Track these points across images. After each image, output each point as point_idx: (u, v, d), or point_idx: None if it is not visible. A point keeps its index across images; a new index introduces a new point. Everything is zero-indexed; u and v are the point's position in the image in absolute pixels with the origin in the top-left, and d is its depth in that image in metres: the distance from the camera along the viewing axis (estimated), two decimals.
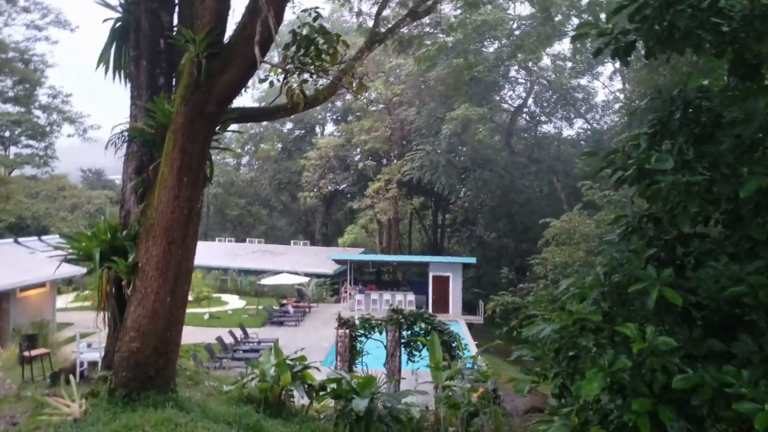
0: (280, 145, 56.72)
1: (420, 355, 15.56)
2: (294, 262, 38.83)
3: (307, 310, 31.28)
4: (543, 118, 38.84)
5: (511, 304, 16.86)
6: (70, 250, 8.00)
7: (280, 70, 7.58)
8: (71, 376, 8.31)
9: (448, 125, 28.52)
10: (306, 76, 7.64)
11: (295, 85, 7.71)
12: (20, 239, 34.74)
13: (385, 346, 15.70)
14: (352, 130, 42.19)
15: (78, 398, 7.50)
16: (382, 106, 43.71)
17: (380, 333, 15.84)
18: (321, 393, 10.05)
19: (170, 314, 7.41)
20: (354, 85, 7.65)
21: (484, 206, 37.93)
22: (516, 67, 35.37)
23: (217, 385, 11.18)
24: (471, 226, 50.92)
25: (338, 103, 52.34)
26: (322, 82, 8.29)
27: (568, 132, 41.67)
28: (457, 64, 21.06)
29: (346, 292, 34.55)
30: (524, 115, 39.05)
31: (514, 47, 24.65)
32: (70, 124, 44.72)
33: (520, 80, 38.05)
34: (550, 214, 36.48)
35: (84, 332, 11.44)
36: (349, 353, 15.62)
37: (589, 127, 39.67)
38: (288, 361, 10.55)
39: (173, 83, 8.46)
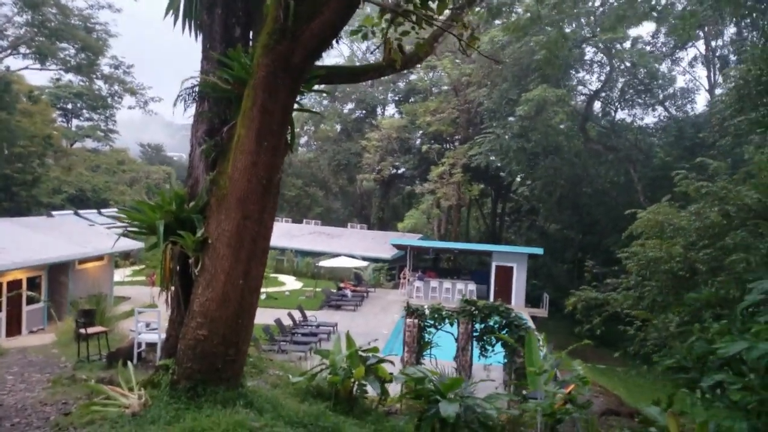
0: (339, 126, 55.91)
1: (493, 351, 14.47)
2: (351, 245, 38.18)
3: (365, 294, 30.45)
4: (621, 105, 36.30)
5: (593, 300, 15.37)
6: (134, 222, 7.14)
7: (376, 19, 6.44)
8: (129, 363, 7.50)
9: (523, 107, 26.61)
10: (407, 26, 6.47)
11: (393, 37, 6.55)
12: (80, 212, 35.27)
13: (456, 339, 14.66)
14: (415, 111, 40.71)
15: (136, 387, 6.70)
16: (446, 88, 42.12)
17: (451, 325, 14.77)
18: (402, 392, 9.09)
19: (242, 299, 6.46)
20: (465, 36, 6.40)
21: (552, 195, 35.90)
22: (594, 49, 33.06)
23: (282, 374, 10.35)
24: (532, 216, 48.88)
25: (400, 84, 50.96)
26: (423, 35, 7.09)
27: (647, 120, 39.08)
28: (551, 37, 19.26)
29: (404, 278, 33.51)
30: (599, 101, 36.60)
31: (597, 25, 22.65)
32: (132, 96, 45.01)
33: (597, 63, 35.61)
34: (623, 206, 34.09)
35: (142, 309, 10.80)
36: (417, 344, 14.61)
37: (668, 115, 36.86)
38: (360, 353, 9.64)
39: (250, 36, 7.48)
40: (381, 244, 38.65)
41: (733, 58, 35.74)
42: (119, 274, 30.55)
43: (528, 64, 29.13)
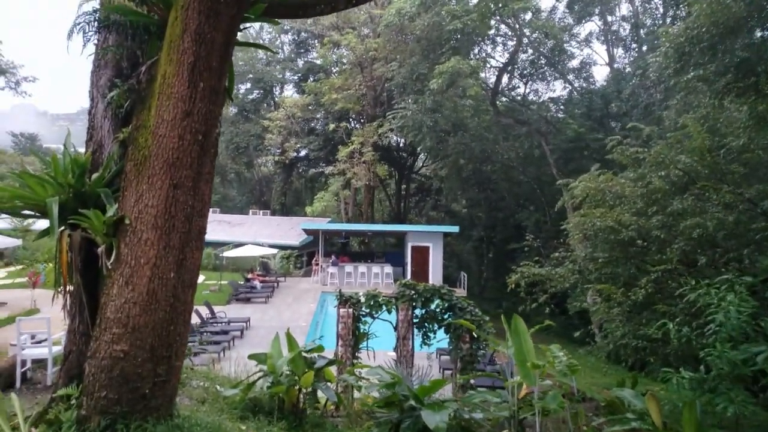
0: (233, 109, 52.52)
1: (434, 337, 13.47)
2: (254, 233, 35.92)
3: (275, 285, 28.54)
4: (529, 78, 36.66)
5: (536, 277, 14.82)
6: (14, 202, 5.15)
7: None
8: (12, 392, 5.50)
9: (436, 80, 25.71)
10: None
11: None
12: None
13: (395, 327, 13.48)
14: (320, 89, 38.69)
15: (24, 426, 4.85)
16: (347, 66, 40.49)
17: (389, 312, 13.55)
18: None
19: (175, 299, 4.81)
20: None
21: (460, 173, 35.63)
22: (499, 22, 32.90)
23: (208, 385, 8.64)
24: (436, 196, 48.92)
25: (299, 62, 48.64)
26: None
27: (552, 94, 40.11)
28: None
29: (317, 264, 31.88)
30: (507, 74, 36.70)
31: None
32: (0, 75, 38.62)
33: (503, 36, 35.50)
34: (532, 181, 34.58)
35: (24, 317, 8.64)
36: (353, 336, 13.26)
37: (571, 89, 37.77)
38: (304, 354, 8.22)
39: None
40: (286, 231, 36.71)
41: (624, 33, 37.49)
42: None
43: (438, 37, 28.28)
